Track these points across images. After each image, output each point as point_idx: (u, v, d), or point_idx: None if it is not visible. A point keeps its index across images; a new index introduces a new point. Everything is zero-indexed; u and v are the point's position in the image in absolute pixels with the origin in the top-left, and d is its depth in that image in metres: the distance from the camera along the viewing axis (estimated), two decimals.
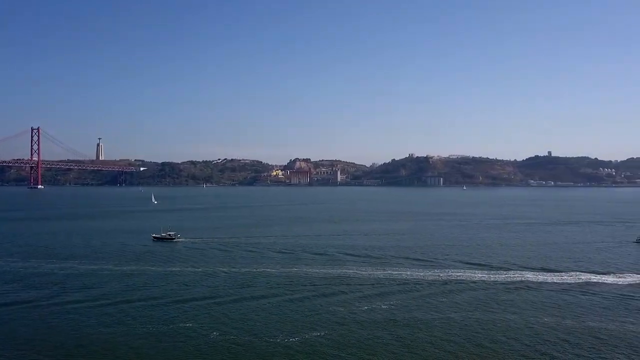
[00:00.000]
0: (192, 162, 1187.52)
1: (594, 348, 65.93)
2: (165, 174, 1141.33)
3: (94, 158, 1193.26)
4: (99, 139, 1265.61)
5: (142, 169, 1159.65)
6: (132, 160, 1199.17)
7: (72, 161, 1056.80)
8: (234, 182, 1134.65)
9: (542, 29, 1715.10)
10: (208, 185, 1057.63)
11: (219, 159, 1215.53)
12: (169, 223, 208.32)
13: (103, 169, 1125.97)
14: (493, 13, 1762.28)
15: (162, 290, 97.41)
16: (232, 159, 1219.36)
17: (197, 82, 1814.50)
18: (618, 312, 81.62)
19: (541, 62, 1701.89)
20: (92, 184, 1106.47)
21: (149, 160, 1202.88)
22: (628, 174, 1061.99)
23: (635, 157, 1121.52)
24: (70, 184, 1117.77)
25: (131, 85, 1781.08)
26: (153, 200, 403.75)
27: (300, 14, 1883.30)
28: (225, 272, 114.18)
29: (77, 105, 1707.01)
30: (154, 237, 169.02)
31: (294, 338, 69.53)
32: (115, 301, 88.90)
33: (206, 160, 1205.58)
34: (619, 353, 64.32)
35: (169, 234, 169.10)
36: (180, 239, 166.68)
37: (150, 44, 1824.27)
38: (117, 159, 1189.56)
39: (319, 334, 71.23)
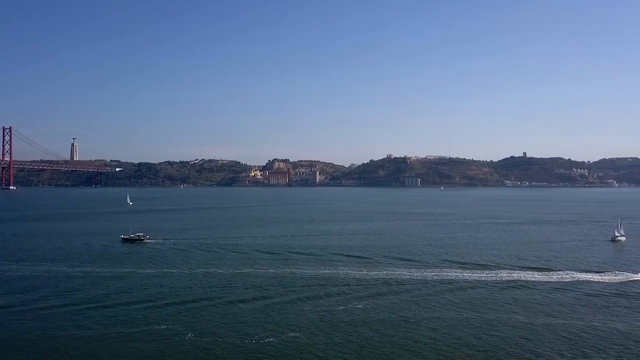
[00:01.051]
0: (169, 163, 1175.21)
1: (575, 345, 66.99)
2: (142, 174, 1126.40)
3: (69, 158, 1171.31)
4: (74, 139, 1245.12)
5: (117, 169, 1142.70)
6: (108, 160, 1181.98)
7: (46, 162, 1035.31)
8: (211, 183, 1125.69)
9: (516, 30, 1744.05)
10: (185, 186, 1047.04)
11: (197, 160, 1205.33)
12: (143, 224, 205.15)
13: (78, 169, 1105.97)
14: (469, 12, 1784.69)
15: (132, 292, 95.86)
16: (209, 160, 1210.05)
17: (174, 82, 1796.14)
18: (601, 310, 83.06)
19: (516, 64, 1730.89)
20: (66, 185, 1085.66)
21: (125, 161, 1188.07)
22: (600, 174, 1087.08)
23: (607, 158, 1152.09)
24: (43, 184, 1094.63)
25: (107, 85, 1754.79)
26: (128, 201, 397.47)
27: (282, 14, 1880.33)
28: (198, 273, 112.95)
29: (51, 105, 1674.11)
30: (123, 238, 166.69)
31: (271, 339, 68.93)
32: (86, 304, 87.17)
33: (183, 161, 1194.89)
34: (601, 351, 65.29)
35: (138, 235, 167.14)
36: (150, 240, 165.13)
37: (127, 45, 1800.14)
38: (92, 160, 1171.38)
39: (296, 334, 70.74)
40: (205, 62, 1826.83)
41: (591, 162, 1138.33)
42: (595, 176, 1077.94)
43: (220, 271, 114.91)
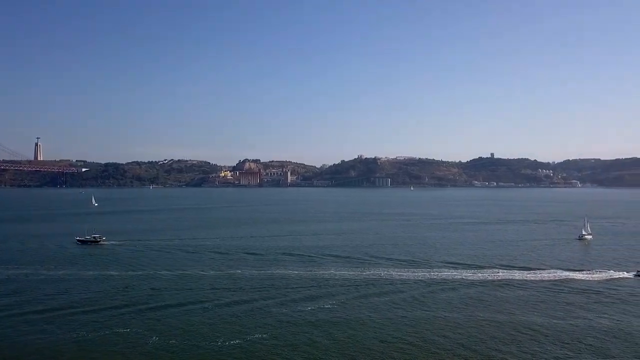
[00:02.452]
0: (137, 163, 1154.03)
1: (557, 342, 68.00)
2: (109, 175, 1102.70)
3: (32, 158, 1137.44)
4: (38, 138, 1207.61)
5: (84, 169, 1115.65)
6: (74, 160, 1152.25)
7: (8, 162, 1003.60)
8: (181, 184, 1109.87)
9: (485, 32, 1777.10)
10: (154, 186, 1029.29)
11: (166, 160, 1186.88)
12: (106, 226, 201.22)
13: (42, 169, 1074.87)
14: (437, 16, 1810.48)
15: (90, 295, 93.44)
16: (179, 160, 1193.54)
17: (142, 81, 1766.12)
18: (573, 306, 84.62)
19: (484, 67, 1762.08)
20: (29, 186, 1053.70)
21: (92, 161, 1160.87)
22: (564, 175, 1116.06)
23: (571, 159, 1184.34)
24: (5, 185, 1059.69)
25: (73, 83, 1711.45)
26: (93, 202, 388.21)
27: (250, 14, 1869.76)
28: (159, 276, 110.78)
29: (13, 104, 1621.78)
30: (78, 240, 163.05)
31: (236, 340, 67.94)
32: (42, 308, 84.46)
33: (152, 161, 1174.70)
34: (566, 345, 66.36)
35: (94, 237, 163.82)
36: (106, 242, 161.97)
37: (92, 43, 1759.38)
38: (57, 160, 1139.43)
39: (261, 335, 69.90)
40: (175, 63, 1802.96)
41: (556, 163, 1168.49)
42: (559, 177, 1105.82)
43: (183, 273, 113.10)
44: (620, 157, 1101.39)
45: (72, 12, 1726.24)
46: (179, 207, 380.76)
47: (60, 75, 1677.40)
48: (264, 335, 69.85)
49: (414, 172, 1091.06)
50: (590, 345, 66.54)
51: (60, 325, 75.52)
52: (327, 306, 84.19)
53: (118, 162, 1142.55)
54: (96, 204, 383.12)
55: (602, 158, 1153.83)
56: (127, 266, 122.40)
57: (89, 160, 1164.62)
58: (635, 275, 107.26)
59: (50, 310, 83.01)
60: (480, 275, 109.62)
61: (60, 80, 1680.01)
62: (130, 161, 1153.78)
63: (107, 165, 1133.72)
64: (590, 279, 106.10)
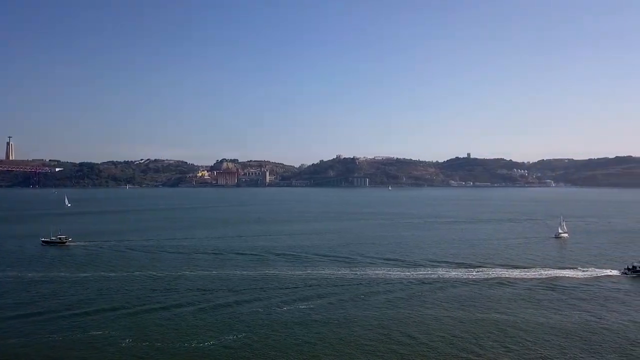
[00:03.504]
0: (113, 163, 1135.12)
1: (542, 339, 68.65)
2: (84, 174, 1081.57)
3: (4, 158, 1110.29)
4: (9, 137, 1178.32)
5: (57, 169, 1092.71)
6: (47, 160, 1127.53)
7: None
8: (157, 184, 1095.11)
9: (460, 34, 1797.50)
10: (130, 186, 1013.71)
11: (142, 159, 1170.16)
12: (78, 226, 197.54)
13: (14, 169, 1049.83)
14: (413, 18, 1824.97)
15: (60, 297, 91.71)
16: (155, 159, 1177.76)
17: (119, 80, 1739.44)
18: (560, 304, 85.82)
19: (460, 69, 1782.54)
20: (0, 186, 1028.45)
21: (66, 161, 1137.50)
22: (539, 174, 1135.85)
23: (545, 159, 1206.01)
24: None
25: (47, 82, 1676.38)
26: (66, 202, 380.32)
27: (228, 15, 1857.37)
28: (132, 277, 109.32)
29: None
30: (44, 241, 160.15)
31: (211, 341, 67.37)
32: (11, 313, 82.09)
33: (128, 161, 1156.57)
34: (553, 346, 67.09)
35: (60, 238, 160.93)
36: (72, 243, 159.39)
37: (67, 41, 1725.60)
38: (30, 159, 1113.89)
39: (236, 336, 69.45)
40: (151, 61, 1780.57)
41: (530, 163, 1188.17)
42: (534, 176, 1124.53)
43: (156, 274, 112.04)
44: (593, 158, 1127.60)
45: (43, 9, 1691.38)
46: (154, 208, 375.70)
47: (34, 74, 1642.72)
48: (239, 336, 69.44)
49: (392, 172, 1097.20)
50: (587, 342, 67.67)
51: (32, 329, 73.92)
52: (302, 306, 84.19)
53: (93, 161, 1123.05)
54: (69, 205, 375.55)
55: (575, 158, 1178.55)
56: (96, 267, 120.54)
57: (62, 159, 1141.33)
58: (622, 273, 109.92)
59: (20, 314, 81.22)
60: (464, 274, 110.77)
61: (33, 78, 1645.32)
62: (105, 161, 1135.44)
63: (81, 164, 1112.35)
64: (578, 276, 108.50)
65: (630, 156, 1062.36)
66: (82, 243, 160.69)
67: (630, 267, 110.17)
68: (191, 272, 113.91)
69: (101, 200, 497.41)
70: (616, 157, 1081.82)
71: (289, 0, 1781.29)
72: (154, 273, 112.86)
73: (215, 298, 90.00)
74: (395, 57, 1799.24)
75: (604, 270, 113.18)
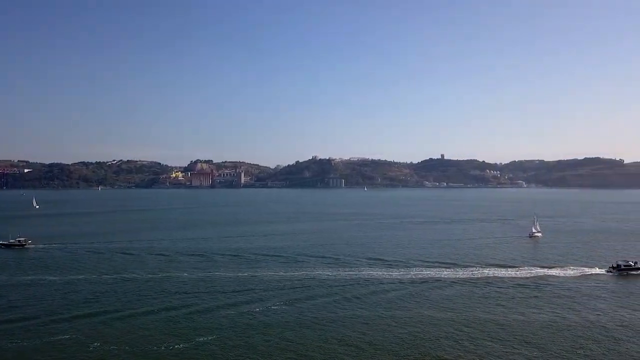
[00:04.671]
0: (84, 163, 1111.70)
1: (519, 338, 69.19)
2: (54, 176, 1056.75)
3: None
4: None
5: (26, 170, 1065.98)
6: (15, 161, 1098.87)
7: None
8: (130, 185, 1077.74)
9: (434, 35, 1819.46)
10: (103, 187, 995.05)
11: (114, 160, 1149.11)
12: (44, 228, 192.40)
13: None
14: (384, 19, 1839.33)
15: (23, 301, 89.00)
16: (128, 160, 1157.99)
17: (89, 78, 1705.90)
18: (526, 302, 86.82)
19: (433, 70, 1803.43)
20: None
21: (35, 161, 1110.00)
22: (510, 175, 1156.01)
23: (516, 160, 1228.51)
24: None
25: (14, 81, 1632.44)
26: (34, 204, 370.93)
27: (206, 14, 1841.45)
28: (98, 280, 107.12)
29: None
30: (1, 243, 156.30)
31: (181, 345, 66.33)
32: None
33: (100, 161, 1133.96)
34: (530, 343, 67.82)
35: (19, 240, 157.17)
36: (32, 245, 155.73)
37: (33, 39, 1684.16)
38: None
39: (208, 338, 68.56)
40: (123, 60, 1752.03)
41: (502, 164, 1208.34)
42: (506, 177, 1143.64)
43: (124, 277, 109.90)
44: (563, 159, 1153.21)
45: (10, 7, 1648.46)
46: (126, 209, 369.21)
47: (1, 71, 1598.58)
48: (210, 339, 68.52)
49: (367, 173, 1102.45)
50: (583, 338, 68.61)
51: None
52: (275, 307, 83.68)
53: (63, 162, 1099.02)
54: (37, 207, 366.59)
55: (545, 159, 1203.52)
56: (59, 270, 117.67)
57: (32, 160, 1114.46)
58: (608, 271, 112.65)
59: None
60: (452, 273, 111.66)
61: (1, 76, 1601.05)
62: (76, 161, 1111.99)
63: (51, 165, 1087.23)
64: (566, 275, 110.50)
65: (599, 157, 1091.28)
66: (44, 245, 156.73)
67: (615, 265, 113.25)
68: (163, 274, 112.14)
69: (71, 202, 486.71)
70: (585, 158, 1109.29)
71: (264, 1, 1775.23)
72: (124, 276, 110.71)
73: (188, 300, 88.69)
74: (370, 58, 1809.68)
75: (590, 269, 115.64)
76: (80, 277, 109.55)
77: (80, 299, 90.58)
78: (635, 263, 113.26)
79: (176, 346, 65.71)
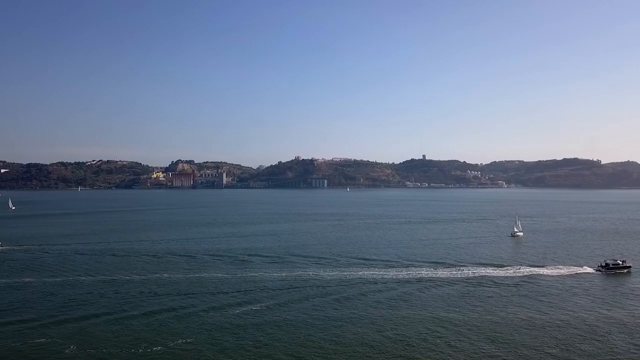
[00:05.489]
0: (63, 164, 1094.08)
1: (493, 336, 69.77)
2: (32, 176, 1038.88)
3: None
4: None
5: (3, 170, 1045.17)
6: None
7: None
8: (110, 185, 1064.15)
9: (415, 38, 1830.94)
10: (82, 188, 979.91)
11: (94, 161, 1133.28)
12: (19, 230, 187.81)
13: None
14: (365, 20, 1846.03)
15: None
16: (108, 161, 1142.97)
17: (68, 78, 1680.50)
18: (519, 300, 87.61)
19: (417, 73, 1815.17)
20: None
21: (12, 162, 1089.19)
22: (491, 176, 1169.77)
23: (497, 160, 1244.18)
24: None
25: None
26: (10, 205, 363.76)
27: (187, 15, 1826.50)
28: (78, 282, 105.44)
29: None
30: None
31: (158, 347, 65.73)
32: None
33: (79, 162, 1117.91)
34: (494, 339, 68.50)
35: None
36: (1, 247, 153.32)
37: (12, 38, 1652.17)
38: None
39: (185, 340, 68.05)
40: (105, 60, 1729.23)
41: (483, 164, 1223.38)
42: (487, 177, 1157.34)
43: (104, 278, 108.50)
44: (542, 160, 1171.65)
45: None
46: (106, 210, 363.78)
47: None
48: (188, 341, 68.01)
49: (350, 174, 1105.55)
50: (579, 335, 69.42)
51: None
52: (255, 308, 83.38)
53: (42, 162, 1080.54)
54: (14, 208, 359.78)
55: (525, 160, 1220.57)
56: (34, 272, 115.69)
57: (9, 160, 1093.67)
58: (597, 270, 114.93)
59: None
60: (442, 273, 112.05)
61: None
62: (55, 162, 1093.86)
63: (29, 165, 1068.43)
64: (556, 273, 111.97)
65: (577, 158, 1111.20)
66: (18, 247, 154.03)
67: (604, 264, 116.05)
68: (142, 276, 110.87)
69: (49, 203, 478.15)
70: (564, 159, 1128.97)
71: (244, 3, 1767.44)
72: (102, 278, 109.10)
73: (166, 302, 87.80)
74: (352, 58, 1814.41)
75: (580, 268, 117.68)
76: (57, 279, 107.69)
77: (56, 302, 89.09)
78: (623, 262, 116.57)
79: (154, 348, 65.08)
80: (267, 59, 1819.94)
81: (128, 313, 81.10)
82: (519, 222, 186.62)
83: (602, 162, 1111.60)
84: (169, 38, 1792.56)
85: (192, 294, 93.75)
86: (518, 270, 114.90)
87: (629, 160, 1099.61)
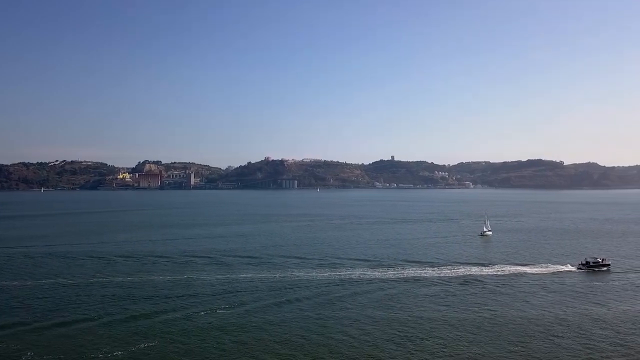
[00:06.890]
0: (24, 164, 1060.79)
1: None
2: None
3: None
4: None
5: None
6: None
7: None
8: (74, 186, 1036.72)
9: (390, 39, 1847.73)
10: (45, 189, 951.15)
11: (57, 161, 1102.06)
12: None
13: None
14: (340, 21, 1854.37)
15: None
16: (72, 161, 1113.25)
17: (32, 76, 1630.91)
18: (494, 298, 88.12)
19: (386, 75, 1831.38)
20: None
21: None
22: (458, 176, 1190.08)
23: (464, 162, 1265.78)
24: None
25: None
26: None
27: (159, 15, 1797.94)
28: (35, 285, 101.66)
29: None
30: None
31: (119, 352, 63.59)
32: None
33: (42, 162, 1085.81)
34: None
35: None
36: None
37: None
38: None
39: (148, 344, 66.15)
40: (67, 57, 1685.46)
41: (451, 165, 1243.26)
42: (454, 178, 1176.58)
43: (66, 281, 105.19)
44: (508, 161, 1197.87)
45: None
46: (68, 212, 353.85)
47: None
48: (151, 344, 66.15)
49: (320, 174, 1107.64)
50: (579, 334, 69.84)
51: None
52: (220, 311, 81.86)
53: (2, 163, 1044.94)
54: None
55: (491, 161, 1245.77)
56: None
57: None
58: (578, 268, 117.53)
59: None
60: (422, 272, 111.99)
61: None
62: (16, 162, 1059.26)
63: None
64: (538, 272, 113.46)
65: (541, 159, 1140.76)
66: None
67: (584, 262, 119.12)
68: (101, 278, 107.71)
69: (8, 204, 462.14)
70: (528, 160, 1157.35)
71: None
72: (60, 281, 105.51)
73: (129, 306, 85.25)
74: (321, 59, 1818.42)
75: (561, 266, 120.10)
76: (14, 283, 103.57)
77: (11, 305, 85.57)
78: (603, 260, 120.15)
79: (114, 353, 62.91)
80: (238, 58, 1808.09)
81: (87, 317, 78.40)
82: (487, 222, 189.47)
83: (564, 164, 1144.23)
84: (132, 38, 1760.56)
85: (157, 297, 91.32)
86: (503, 269, 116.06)
87: (590, 162, 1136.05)
